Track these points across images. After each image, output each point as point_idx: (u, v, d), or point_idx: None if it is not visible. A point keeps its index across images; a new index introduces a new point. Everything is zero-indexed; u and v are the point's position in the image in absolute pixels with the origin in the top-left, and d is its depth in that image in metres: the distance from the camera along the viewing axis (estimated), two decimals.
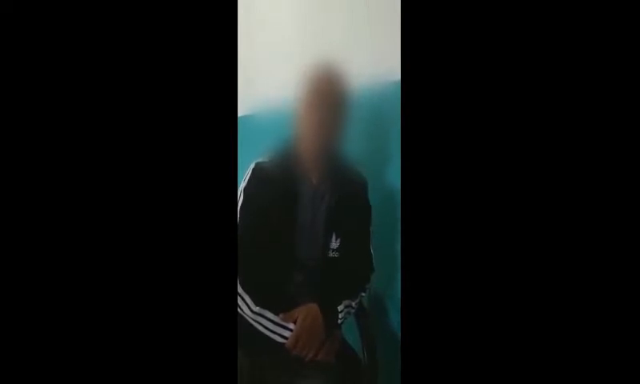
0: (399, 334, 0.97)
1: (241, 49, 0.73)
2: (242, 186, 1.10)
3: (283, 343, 1.03)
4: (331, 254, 1.11)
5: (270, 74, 1.38)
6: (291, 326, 1.03)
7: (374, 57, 1.07)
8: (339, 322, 1.08)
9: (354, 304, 1.13)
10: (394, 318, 1.32)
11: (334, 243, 1.11)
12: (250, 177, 1.10)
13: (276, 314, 1.04)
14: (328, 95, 1.05)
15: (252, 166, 1.11)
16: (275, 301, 1.05)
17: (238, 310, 1.05)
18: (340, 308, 1.08)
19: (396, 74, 0.70)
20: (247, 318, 1.04)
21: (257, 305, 1.04)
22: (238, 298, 1.05)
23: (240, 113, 0.82)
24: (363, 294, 1.18)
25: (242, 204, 1.08)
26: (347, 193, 1.13)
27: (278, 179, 1.08)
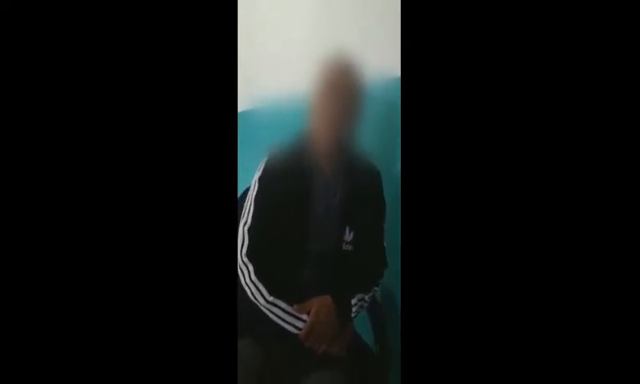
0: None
1: (241, 49, 0.74)
2: (256, 176, 1.10)
3: (296, 334, 1.03)
4: (345, 247, 1.10)
5: (271, 73, 1.39)
6: (305, 317, 1.03)
7: (375, 54, 1.06)
8: (352, 315, 1.08)
9: (367, 298, 1.12)
10: None
11: (348, 236, 1.10)
12: (265, 167, 1.10)
13: (290, 304, 1.04)
14: (341, 87, 1.04)
15: (266, 156, 1.11)
16: (289, 291, 1.05)
17: (252, 298, 1.06)
18: (353, 301, 1.08)
19: (396, 71, 0.70)
20: (261, 307, 1.05)
21: (271, 294, 1.04)
22: (253, 286, 1.05)
23: (240, 108, 0.83)
24: (376, 288, 1.17)
25: (256, 194, 1.09)
26: (361, 185, 1.12)
27: (291, 170, 1.08)
